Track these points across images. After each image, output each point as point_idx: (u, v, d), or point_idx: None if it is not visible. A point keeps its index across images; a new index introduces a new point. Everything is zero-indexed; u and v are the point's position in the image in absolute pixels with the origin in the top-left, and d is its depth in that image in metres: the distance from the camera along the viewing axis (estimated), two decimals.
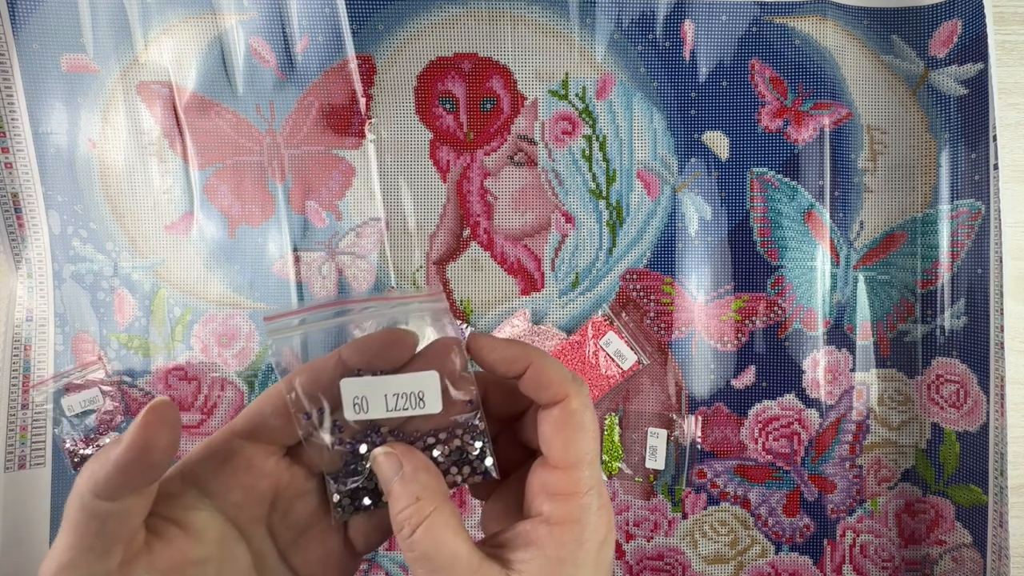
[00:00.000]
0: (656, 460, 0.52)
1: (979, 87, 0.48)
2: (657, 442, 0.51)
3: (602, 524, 0.25)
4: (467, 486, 0.27)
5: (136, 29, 0.50)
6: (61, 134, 0.50)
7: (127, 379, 0.52)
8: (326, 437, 0.25)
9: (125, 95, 0.50)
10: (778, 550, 0.52)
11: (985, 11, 0.47)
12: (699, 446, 0.52)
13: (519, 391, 0.26)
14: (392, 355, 0.26)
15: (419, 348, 0.26)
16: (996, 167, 0.47)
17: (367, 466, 0.26)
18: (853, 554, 0.52)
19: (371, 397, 0.25)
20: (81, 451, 0.51)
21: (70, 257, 0.51)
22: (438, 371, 0.25)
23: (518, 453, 0.28)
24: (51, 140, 0.50)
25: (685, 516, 0.52)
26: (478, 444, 0.26)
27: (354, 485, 0.26)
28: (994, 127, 0.47)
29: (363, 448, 0.26)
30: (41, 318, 0.51)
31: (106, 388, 0.51)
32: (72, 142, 0.50)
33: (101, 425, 0.51)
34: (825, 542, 0.52)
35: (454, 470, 0.26)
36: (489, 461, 0.26)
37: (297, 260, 0.51)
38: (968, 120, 0.49)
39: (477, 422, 0.26)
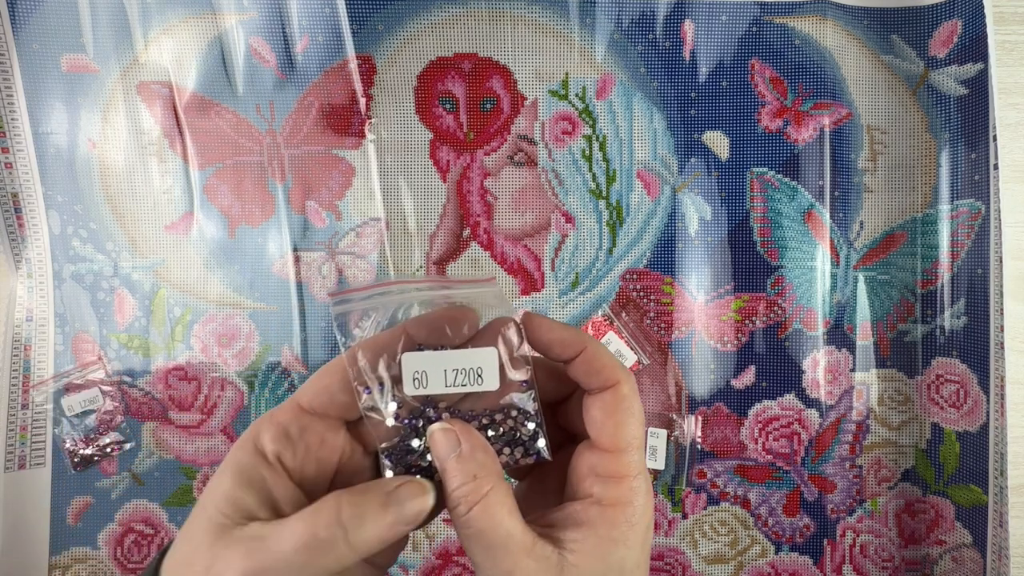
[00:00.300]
0: (656, 460, 0.52)
1: (979, 87, 0.48)
2: (657, 442, 0.51)
3: (649, 507, 0.26)
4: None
5: (136, 29, 0.50)
6: (61, 134, 0.50)
7: (127, 379, 0.52)
8: (385, 412, 0.26)
9: (125, 95, 0.50)
10: (778, 550, 0.52)
11: (985, 11, 0.47)
12: (699, 446, 0.52)
13: (564, 376, 0.27)
14: (453, 332, 0.26)
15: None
16: (996, 167, 0.47)
17: (421, 444, 0.26)
18: (853, 554, 0.52)
19: (431, 372, 0.26)
20: (81, 451, 0.51)
21: (70, 257, 0.51)
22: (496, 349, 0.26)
23: (556, 437, 0.28)
24: (51, 140, 0.50)
25: (685, 516, 0.52)
26: (531, 425, 0.27)
27: (407, 463, 0.26)
28: (994, 127, 0.47)
29: (420, 424, 0.26)
30: (41, 318, 0.51)
31: (106, 388, 0.51)
32: (72, 142, 0.50)
33: (101, 425, 0.51)
34: (825, 542, 0.52)
35: (507, 451, 0.26)
36: (541, 442, 0.27)
37: (297, 260, 0.51)
38: (968, 120, 0.49)
39: (531, 403, 0.27)
